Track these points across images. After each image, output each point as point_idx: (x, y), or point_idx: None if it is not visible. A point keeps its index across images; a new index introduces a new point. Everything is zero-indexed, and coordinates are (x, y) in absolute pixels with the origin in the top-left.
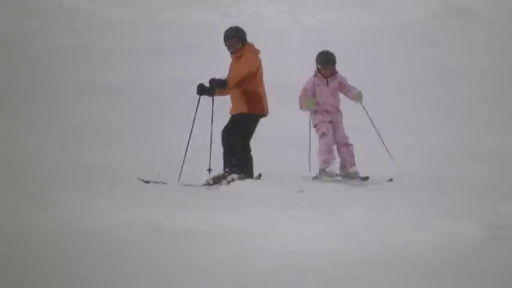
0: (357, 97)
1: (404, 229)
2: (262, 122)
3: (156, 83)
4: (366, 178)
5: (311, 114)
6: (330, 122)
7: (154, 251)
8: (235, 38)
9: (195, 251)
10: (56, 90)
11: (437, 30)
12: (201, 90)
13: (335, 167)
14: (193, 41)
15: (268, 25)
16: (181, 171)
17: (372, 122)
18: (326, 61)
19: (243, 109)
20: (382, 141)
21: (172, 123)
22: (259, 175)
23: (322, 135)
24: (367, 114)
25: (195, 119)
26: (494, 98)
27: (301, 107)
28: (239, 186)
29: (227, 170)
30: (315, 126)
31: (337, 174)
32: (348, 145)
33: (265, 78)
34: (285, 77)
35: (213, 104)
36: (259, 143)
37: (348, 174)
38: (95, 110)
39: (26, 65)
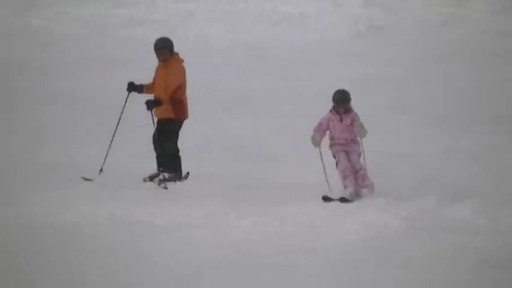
0: (362, 133)
1: (334, 220)
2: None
3: (111, 91)
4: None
5: (329, 147)
6: (345, 151)
7: (112, 240)
8: (165, 49)
9: (148, 241)
10: (27, 99)
11: (358, 46)
12: (131, 87)
13: (351, 189)
14: (146, 55)
15: (213, 42)
16: (103, 163)
17: (363, 157)
18: (339, 100)
19: (170, 115)
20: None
21: (129, 127)
22: (187, 174)
23: (337, 163)
24: (362, 149)
25: (123, 111)
26: (407, 107)
27: (311, 141)
28: (183, 183)
29: (161, 169)
30: (334, 156)
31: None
32: (357, 170)
33: (213, 87)
34: (229, 85)
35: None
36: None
37: (358, 195)
38: (60, 116)
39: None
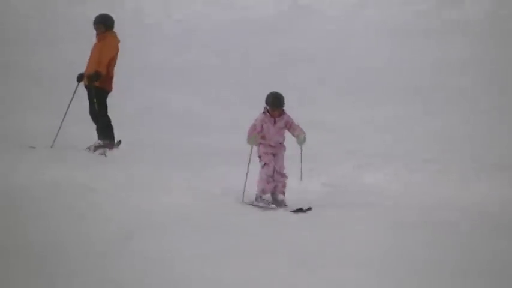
0: (301, 142)
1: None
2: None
3: (57, 66)
4: (299, 210)
5: (256, 145)
6: (273, 154)
7: (52, 202)
8: (100, 24)
9: (85, 204)
10: None
11: (284, 23)
12: (80, 78)
13: (269, 196)
14: (84, 32)
15: (147, 18)
16: (54, 139)
17: (301, 161)
18: (274, 103)
19: (97, 84)
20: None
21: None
22: (119, 141)
23: (264, 165)
24: (301, 154)
25: (73, 99)
26: (328, 80)
27: (248, 141)
28: (120, 150)
29: (101, 139)
30: (259, 157)
31: (270, 203)
32: (282, 175)
33: (148, 60)
34: (162, 60)
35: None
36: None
37: (276, 201)
38: (8, 88)
39: None
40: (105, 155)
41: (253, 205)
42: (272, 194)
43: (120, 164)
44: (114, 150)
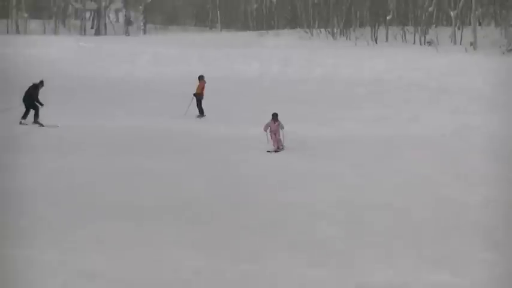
0: (282, 128)
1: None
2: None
3: (177, 87)
4: (281, 149)
5: (269, 132)
6: (274, 134)
7: (189, 134)
8: (200, 77)
9: (198, 135)
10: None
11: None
12: (194, 94)
13: (275, 147)
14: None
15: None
16: (185, 112)
17: (283, 136)
18: (274, 116)
19: (199, 96)
20: (283, 135)
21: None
22: (205, 115)
23: (271, 137)
24: (283, 133)
25: (192, 101)
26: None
27: (264, 129)
28: (205, 117)
29: (199, 114)
30: (270, 136)
31: (275, 151)
32: (279, 140)
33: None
34: (217, 89)
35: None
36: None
37: (279, 149)
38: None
39: None
40: (200, 119)
41: (268, 151)
42: (278, 147)
43: (206, 121)
44: (204, 117)
